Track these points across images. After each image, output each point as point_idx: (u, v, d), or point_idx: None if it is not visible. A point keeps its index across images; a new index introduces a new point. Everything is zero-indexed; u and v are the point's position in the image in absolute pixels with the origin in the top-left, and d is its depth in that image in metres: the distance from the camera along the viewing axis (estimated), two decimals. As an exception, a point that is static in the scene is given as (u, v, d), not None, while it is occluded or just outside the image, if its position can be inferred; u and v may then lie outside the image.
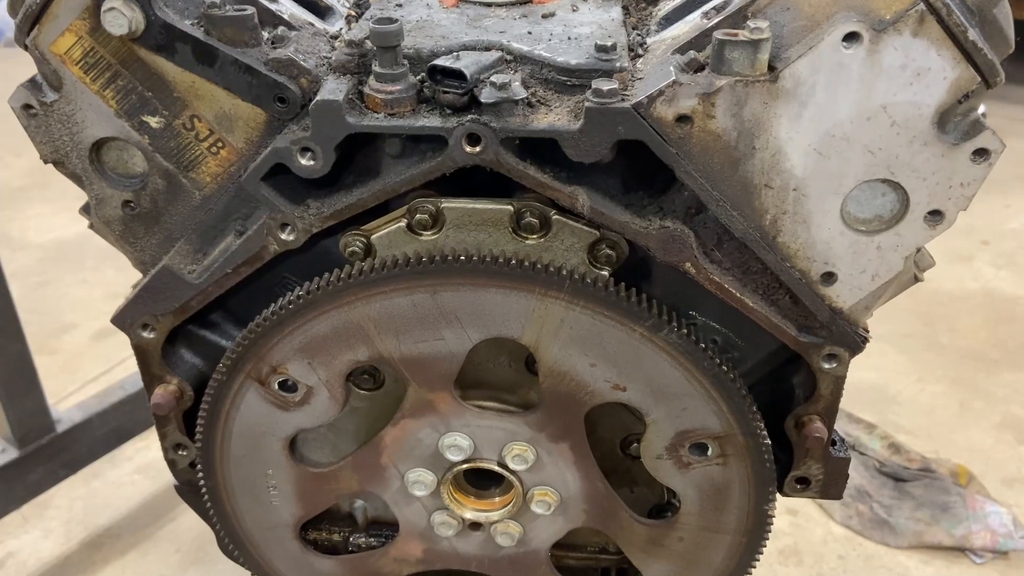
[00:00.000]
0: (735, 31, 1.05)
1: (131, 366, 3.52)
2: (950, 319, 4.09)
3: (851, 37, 1.02)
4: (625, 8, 1.34)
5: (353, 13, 1.33)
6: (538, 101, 1.14)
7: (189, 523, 3.02)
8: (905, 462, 3.25)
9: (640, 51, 1.21)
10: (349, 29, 1.29)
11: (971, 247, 4.70)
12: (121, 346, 3.73)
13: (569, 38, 1.22)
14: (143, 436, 3.23)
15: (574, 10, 1.31)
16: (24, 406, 2.81)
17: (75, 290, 4.41)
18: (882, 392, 3.64)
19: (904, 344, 3.91)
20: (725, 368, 1.20)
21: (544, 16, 1.29)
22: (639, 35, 1.25)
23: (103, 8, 1.10)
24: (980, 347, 3.94)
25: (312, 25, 1.25)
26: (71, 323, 4.12)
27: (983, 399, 3.63)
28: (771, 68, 1.05)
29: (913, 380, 3.71)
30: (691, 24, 1.17)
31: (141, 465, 3.31)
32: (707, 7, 1.16)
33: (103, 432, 3.04)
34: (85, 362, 3.84)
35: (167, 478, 3.20)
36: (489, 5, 1.32)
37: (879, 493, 3.11)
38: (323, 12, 1.32)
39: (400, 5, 1.35)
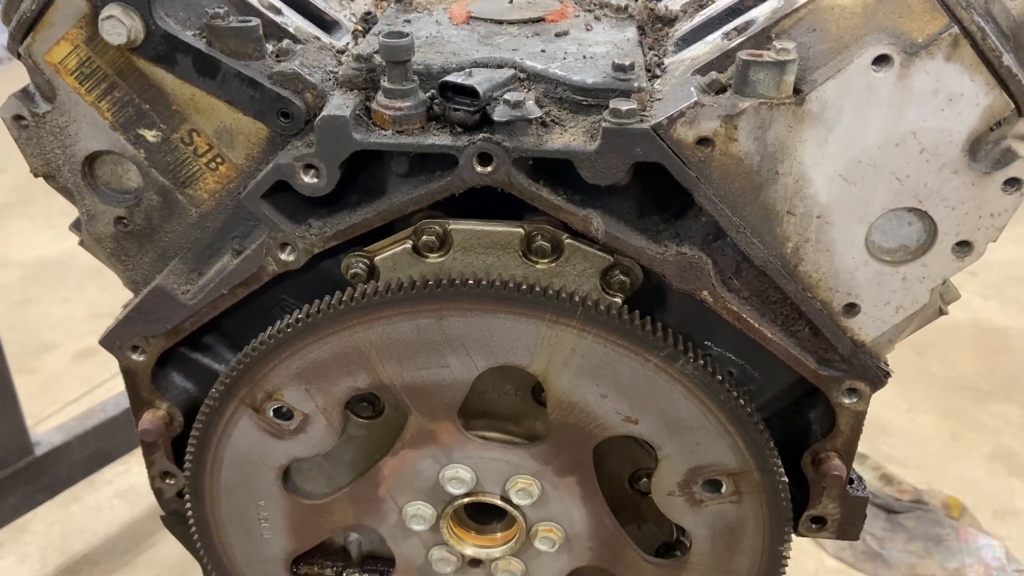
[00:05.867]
0: (760, 52, 1.02)
1: (112, 388, 3.51)
2: (940, 349, 4.07)
3: (881, 60, 0.98)
4: (640, 28, 1.31)
5: (360, 28, 1.29)
6: (552, 121, 1.10)
7: (169, 549, 2.94)
8: (897, 493, 3.23)
9: (657, 72, 1.17)
10: (356, 44, 1.24)
11: (959, 277, 4.64)
12: (102, 367, 3.69)
13: (584, 57, 1.18)
14: (123, 460, 3.17)
15: (588, 29, 1.28)
16: (2, 428, 2.75)
17: (57, 309, 4.33)
18: (873, 422, 3.60)
19: (894, 374, 3.89)
20: (742, 401, 1.16)
21: (557, 34, 1.25)
22: (656, 55, 1.21)
23: (101, 16, 1.06)
24: (970, 377, 3.93)
25: (318, 39, 1.21)
26: (52, 343, 4.05)
27: (974, 430, 3.62)
28: (796, 91, 1.01)
29: (904, 410, 3.69)
30: (711, 45, 1.13)
31: (121, 489, 3.24)
32: (728, 28, 1.13)
33: (83, 455, 2.98)
34: (66, 383, 3.76)
35: (147, 503, 3.18)
36: (500, 23, 1.29)
37: (871, 525, 3.08)
38: (329, 26, 1.28)
39: (408, 21, 1.31)
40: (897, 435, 3.55)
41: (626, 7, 1.34)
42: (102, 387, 3.65)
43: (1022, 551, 3.02)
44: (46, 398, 3.64)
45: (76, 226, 1.28)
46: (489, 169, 1.07)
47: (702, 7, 1.28)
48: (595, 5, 1.36)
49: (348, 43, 1.25)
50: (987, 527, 3.10)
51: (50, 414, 3.54)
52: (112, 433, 3.02)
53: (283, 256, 1.17)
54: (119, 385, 3.50)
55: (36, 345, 4.01)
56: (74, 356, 3.95)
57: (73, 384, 3.75)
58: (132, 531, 3.07)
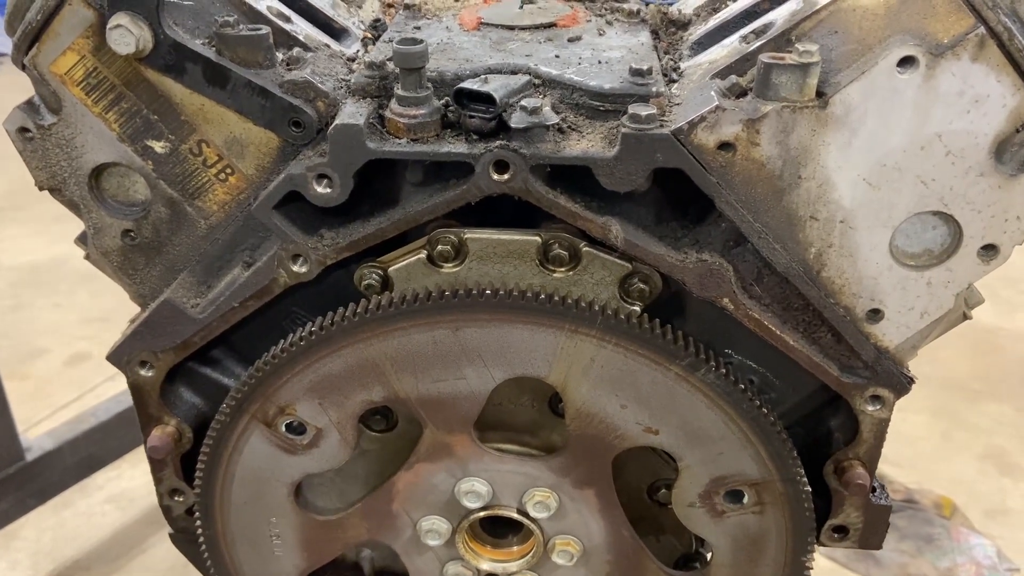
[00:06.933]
0: (781, 55, 1.00)
1: (104, 392, 3.48)
2: (931, 349, 4.01)
3: (906, 62, 0.97)
4: (654, 32, 1.29)
5: (369, 35, 1.27)
6: (569, 127, 1.08)
7: (161, 555, 2.91)
8: (889, 493, 3.23)
9: (674, 76, 1.15)
10: (366, 51, 1.23)
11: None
12: (94, 372, 3.66)
13: (599, 62, 1.16)
14: (115, 465, 3.15)
15: (600, 34, 1.26)
16: (-8, 433, 2.72)
17: (48, 314, 4.30)
18: (863, 423, 3.66)
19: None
20: (765, 410, 1.14)
21: (570, 40, 1.23)
22: (671, 60, 1.19)
23: (109, 25, 1.04)
24: (962, 377, 3.93)
25: (328, 47, 1.19)
26: (43, 348, 4.02)
27: (965, 430, 3.62)
28: (819, 94, 1.00)
29: (895, 410, 3.68)
30: (729, 48, 1.11)
31: (112, 495, 3.21)
32: (745, 31, 1.11)
33: (74, 461, 2.96)
34: (57, 388, 3.74)
35: (139, 508, 3.15)
36: (512, 28, 1.27)
37: (863, 524, 3.10)
38: (338, 34, 1.26)
39: (418, 28, 1.29)
40: (889, 434, 3.53)
41: (638, 11, 1.32)
42: (93, 392, 3.63)
43: (1013, 550, 3.02)
44: (37, 403, 3.61)
45: (82, 240, 1.25)
46: (506, 177, 1.05)
47: (716, 11, 1.26)
48: (606, 10, 1.34)
49: (358, 51, 1.23)
50: (978, 526, 3.10)
51: (41, 419, 3.51)
52: (103, 438, 3.00)
53: (295, 268, 1.15)
54: (110, 390, 3.46)
55: (27, 350, 3.99)
56: (65, 361, 3.93)
57: (64, 389, 3.73)
58: (124, 536, 3.04)
